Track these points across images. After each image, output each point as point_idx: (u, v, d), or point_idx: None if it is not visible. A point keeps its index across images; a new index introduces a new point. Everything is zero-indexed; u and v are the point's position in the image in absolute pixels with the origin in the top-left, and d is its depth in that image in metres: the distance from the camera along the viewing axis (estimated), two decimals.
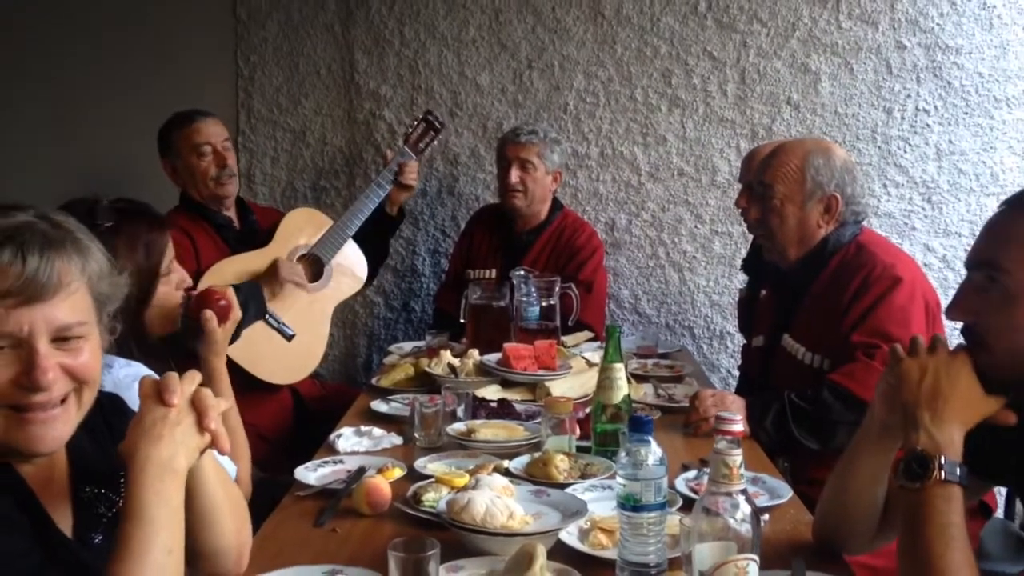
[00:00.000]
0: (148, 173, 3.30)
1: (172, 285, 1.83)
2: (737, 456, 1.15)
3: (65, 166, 3.59)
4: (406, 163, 3.15)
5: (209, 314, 1.90)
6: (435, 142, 3.31)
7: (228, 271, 2.73)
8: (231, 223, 2.99)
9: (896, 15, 3.47)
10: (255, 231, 3.01)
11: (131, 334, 1.69)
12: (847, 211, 2.31)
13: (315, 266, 2.97)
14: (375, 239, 3.18)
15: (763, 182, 2.35)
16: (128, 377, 1.59)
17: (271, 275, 2.81)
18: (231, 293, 1.97)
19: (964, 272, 3.79)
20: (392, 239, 3.45)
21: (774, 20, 3.51)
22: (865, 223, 2.43)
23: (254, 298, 2.48)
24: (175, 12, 3.70)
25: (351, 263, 3.08)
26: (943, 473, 1.18)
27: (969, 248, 3.50)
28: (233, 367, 2.66)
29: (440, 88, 3.66)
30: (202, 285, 2.61)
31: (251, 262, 2.84)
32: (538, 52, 3.61)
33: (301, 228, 3.00)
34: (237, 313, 1.95)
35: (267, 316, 2.49)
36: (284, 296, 2.83)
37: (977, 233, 3.76)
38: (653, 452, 1.34)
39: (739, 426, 1.16)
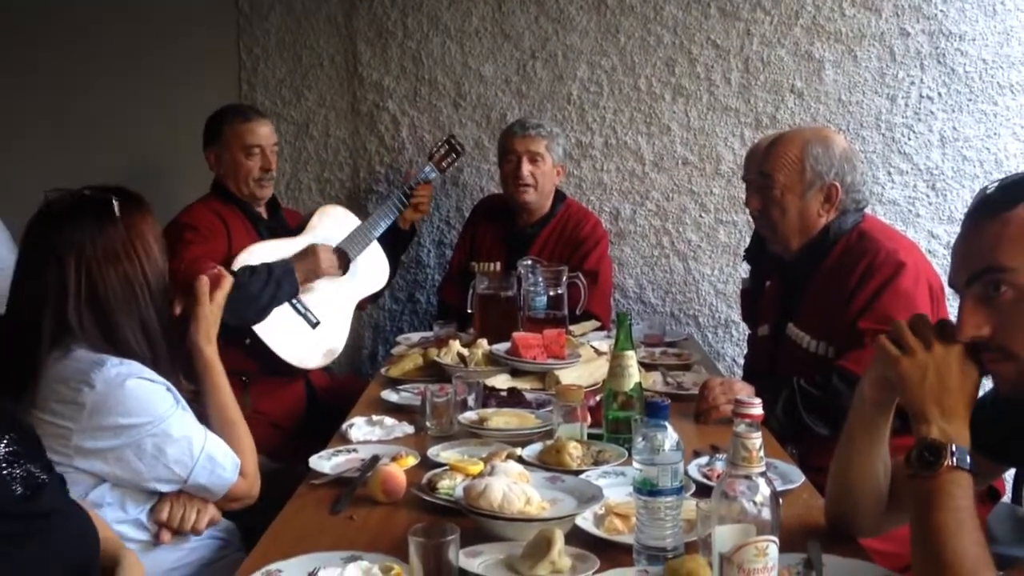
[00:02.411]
0: (152, 165, 3.32)
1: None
2: (756, 439, 1.16)
3: (67, 159, 3.59)
4: (421, 184, 3.25)
5: (203, 278, 1.81)
6: (456, 164, 3.40)
7: (260, 253, 2.76)
8: (261, 215, 3.04)
9: (899, 2, 3.47)
10: (283, 225, 3.06)
11: (167, 308, 1.71)
12: (847, 199, 2.31)
13: (341, 260, 3.01)
14: (388, 254, 3.22)
15: (763, 172, 2.36)
16: (120, 376, 1.58)
17: (309, 258, 2.85)
18: (220, 267, 1.92)
19: None
20: (403, 254, 3.50)
21: (777, 8, 3.51)
22: (868, 210, 2.44)
23: (287, 277, 2.49)
24: (177, 4, 3.70)
25: (375, 263, 3.13)
26: (955, 460, 1.20)
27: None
28: (256, 351, 2.70)
29: (444, 79, 3.66)
30: (236, 265, 2.65)
31: (283, 247, 2.88)
32: (541, 42, 3.61)
33: (331, 223, 3.06)
34: (228, 281, 1.86)
35: (295, 302, 2.49)
36: (314, 285, 2.86)
37: None
38: (670, 437, 1.36)
39: (758, 409, 1.17)
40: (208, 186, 3.03)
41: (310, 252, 2.88)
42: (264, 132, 2.98)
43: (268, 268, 2.54)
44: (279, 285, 2.43)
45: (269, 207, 3.07)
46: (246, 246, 2.82)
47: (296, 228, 3.04)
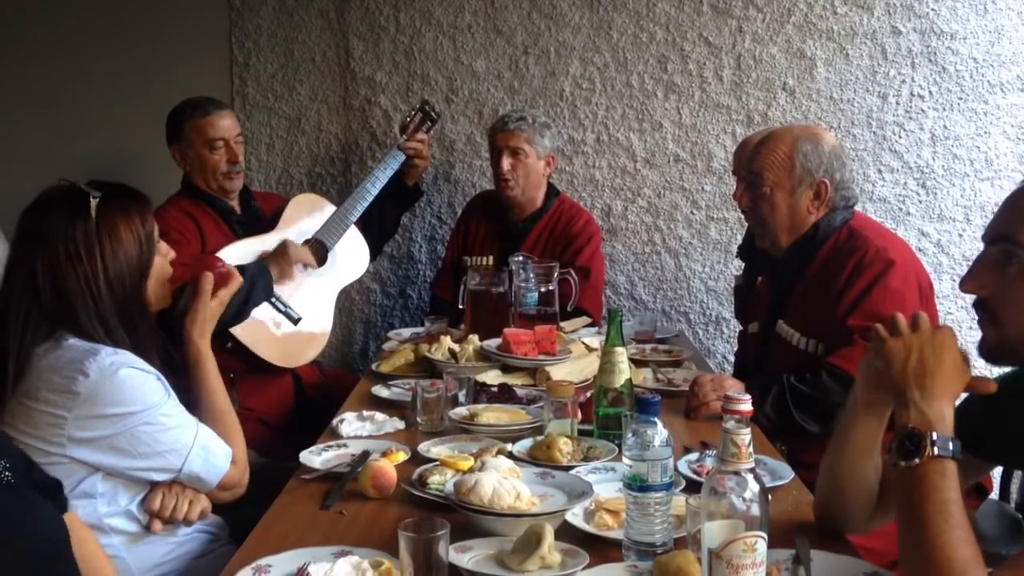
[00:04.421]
0: (147, 161, 3.30)
1: (162, 255, 1.80)
2: (746, 435, 1.16)
3: (60, 154, 3.57)
4: (411, 137, 3.22)
5: (208, 275, 1.82)
6: (432, 132, 3.34)
7: (235, 254, 2.74)
8: (234, 210, 2.99)
9: (891, 0, 3.48)
10: (258, 217, 3.01)
11: (135, 307, 1.70)
12: (837, 196, 2.32)
13: (319, 251, 2.99)
14: (390, 209, 3.22)
15: (752, 170, 2.37)
16: (114, 365, 1.59)
17: (279, 256, 2.81)
18: (230, 265, 1.92)
19: (957, 256, 3.82)
20: (404, 213, 3.50)
21: (770, 6, 3.51)
22: (858, 208, 2.44)
23: (262, 277, 2.49)
24: (170, 0, 3.69)
25: (353, 249, 3.10)
26: (935, 449, 1.18)
27: (963, 232, 3.51)
28: (239, 352, 2.69)
29: (436, 74, 3.65)
30: None
31: (257, 246, 2.84)
32: (534, 38, 3.61)
33: (305, 213, 3.02)
34: (237, 281, 1.89)
35: (274, 300, 2.47)
36: (291, 280, 2.83)
37: (971, 218, 3.78)
38: (659, 433, 1.36)
39: (747, 406, 1.17)
40: None
41: (280, 248, 2.82)
42: (225, 124, 2.91)
43: (242, 270, 2.52)
44: (253, 285, 2.42)
45: (242, 199, 3.03)
46: (220, 246, 2.78)
47: (272, 217, 2.99)
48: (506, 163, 3.18)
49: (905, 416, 1.23)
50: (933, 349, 1.26)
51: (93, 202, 1.65)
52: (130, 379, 1.61)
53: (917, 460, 1.18)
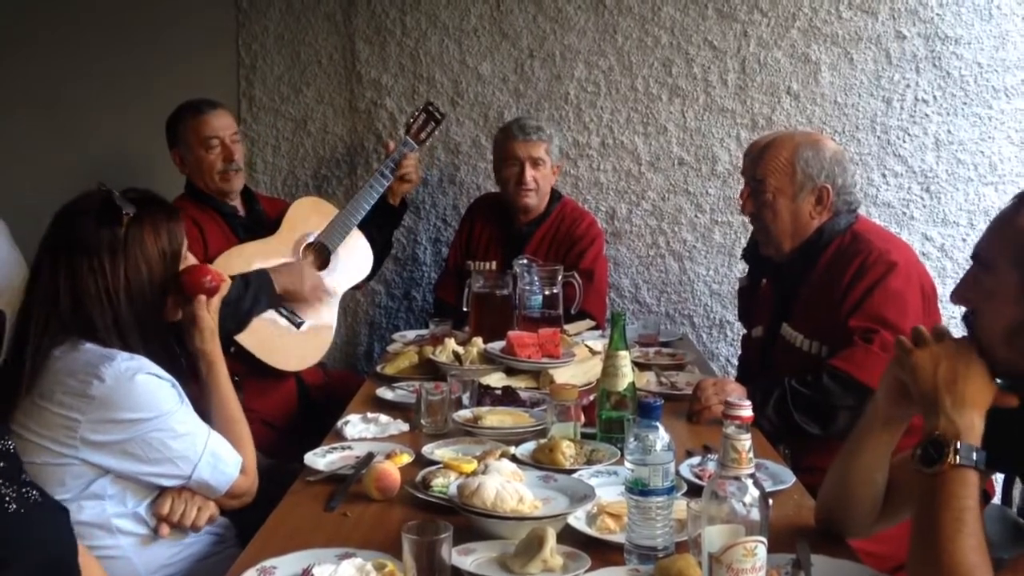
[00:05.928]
0: (151, 163, 3.31)
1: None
2: (746, 440, 1.17)
3: (67, 158, 3.59)
4: (406, 154, 3.17)
5: (201, 298, 1.80)
6: (436, 132, 3.34)
7: (238, 260, 2.74)
8: (237, 212, 3.00)
9: (896, 5, 3.48)
10: (262, 221, 3.01)
11: (152, 320, 1.71)
12: (839, 201, 2.34)
13: (322, 254, 2.99)
14: (378, 232, 3.21)
15: (755, 177, 2.39)
16: (129, 371, 1.61)
17: (289, 269, 2.79)
18: (215, 270, 1.90)
19: (961, 261, 3.82)
20: (395, 231, 3.46)
21: (774, 10, 3.52)
22: (862, 212, 2.46)
23: (264, 288, 2.50)
24: (176, 1, 3.70)
25: (356, 252, 3.09)
26: (958, 457, 1.19)
27: (967, 237, 3.51)
28: (242, 355, 2.70)
29: (441, 77, 3.66)
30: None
31: (260, 250, 2.84)
32: (539, 41, 3.62)
33: (308, 217, 3.01)
34: (226, 284, 1.87)
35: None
36: (301, 304, 2.80)
37: (974, 222, 3.77)
38: (661, 438, 1.37)
39: (747, 411, 1.18)
40: None
41: (295, 270, 2.80)
42: (220, 123, 2.92)
43: (244, 279, 2.53)
44: (256, 297, 2.42)
45: (245, 202, 3.04)
46: (222, 249, 2.78)
47: (275, 220, 2.99)
48: (530, 173, 3.19)
49: (933, 423, 1.24)
50: (959, 357, 1.28)
51: (125, 219, 1.67)
52: (145, 385, 1.62)
53: (938, 467, 1.19)
